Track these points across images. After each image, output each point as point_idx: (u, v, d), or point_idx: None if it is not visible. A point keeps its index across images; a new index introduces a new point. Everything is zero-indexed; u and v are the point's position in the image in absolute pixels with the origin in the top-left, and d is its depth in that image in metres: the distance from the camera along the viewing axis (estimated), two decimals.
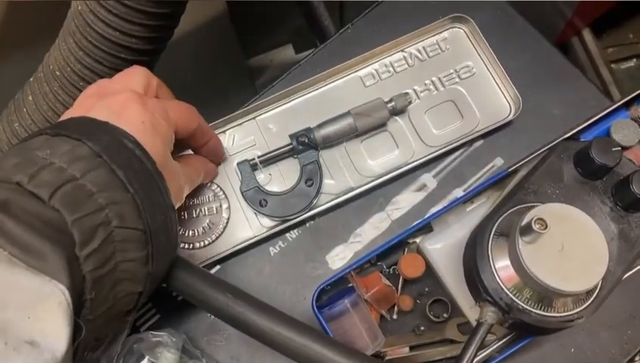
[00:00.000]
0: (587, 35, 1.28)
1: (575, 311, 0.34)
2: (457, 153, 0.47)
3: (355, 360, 0.33)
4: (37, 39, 0.50)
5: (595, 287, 0.34)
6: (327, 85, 0.49)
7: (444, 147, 0.46)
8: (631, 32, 1.51)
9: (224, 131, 0.48)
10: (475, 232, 0.37)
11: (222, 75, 0.73)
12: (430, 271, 0.41)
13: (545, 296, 0.33)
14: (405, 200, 0.46)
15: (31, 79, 0.50)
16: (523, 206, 0.36)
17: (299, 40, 0.60)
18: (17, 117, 0.50)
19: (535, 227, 0.32)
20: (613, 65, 1.24)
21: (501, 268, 0.35)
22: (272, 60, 0.79)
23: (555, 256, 0.32)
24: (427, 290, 0.42)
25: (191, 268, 0.36)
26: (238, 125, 0.48)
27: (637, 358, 0.44)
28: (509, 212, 0.36)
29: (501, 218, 0.36)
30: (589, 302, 0.34)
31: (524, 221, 0.32)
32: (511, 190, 0.39)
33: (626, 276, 0.37)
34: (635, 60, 1.23)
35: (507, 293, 0.34)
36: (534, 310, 0.34)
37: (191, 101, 0.44)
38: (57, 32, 0.47)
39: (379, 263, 0.42)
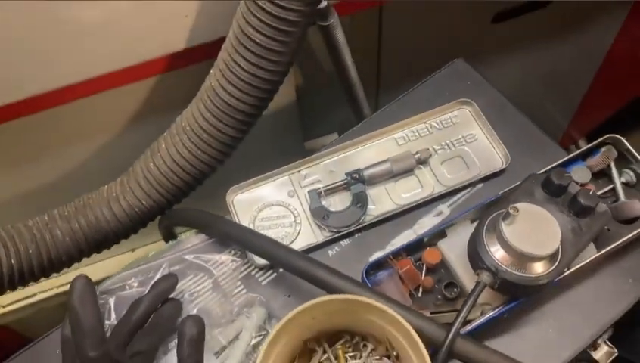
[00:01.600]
0: (584, 146, 1.49)
1: (542, 273, 0.51)
2: (464, 192, 0.66)
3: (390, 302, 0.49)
4: (169, 108, 0.72)
5: (555, 259, 0.51)
6: (372, 142, 0.69)
7: (455, 187, 0.65)
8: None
9: (299, 171, 0.68)
10: (475, 231, 0.55)
11: (284, 149, 0.95)
12: (444, 263, 0.59)
13: (520, 261, 0.50)
14: (427, 222, 0.64)
15: (165, 133, 0.71)
16: (504, 210, 0.54)
17: (344, 130, 0.81)
18: (152, 159, 0.70)
19: (511, 211, 0.50)
20: None
21: (492, 247, 0.52)
22: (322, 145, 1.01)
23: (525, 233, 0.50)
24: (442, 274, 0.58)
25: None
26: (309, 166, 0.68)
27: (599, 341, 0.59)
28: (496, 214, 0.54)
29: (491, 217, 0.54)
30: (552, 268, 0.51)
31: (505, 211, 0.51)
32: (497, 205, 0.57)
33: (585, 262, 0.54)
34: None
35: (496, 260, 0.51)
36: (513, 271, 0.50)
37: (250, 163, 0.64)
38: (181, 104, 0.69)
39: (409, 257, 0.59)
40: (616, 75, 1.33)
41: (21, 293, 1.03)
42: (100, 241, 0.69)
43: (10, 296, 1.03)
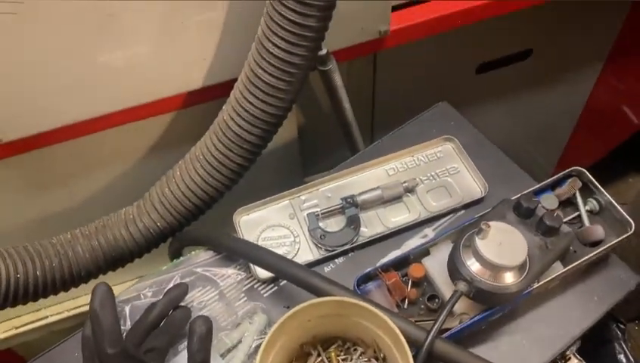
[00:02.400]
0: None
1: (512, 283, 0.57)
2: (447, 217, 0.74)
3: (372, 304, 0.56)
4: (185, 141, 0.80)
5: (523, 271, 0.58)
6: (364, 172, 0.78)
7: (439, 213, 0.73)
8: (608, 192, 1.80)
9: (299, 196, 0.76)
10: (454, 247, 0.62)
11: (285, 183, 1.03)
12: (427, 278, 0.65)
13: (492, 271, 0.57)
14: (413, 244, 0.71)
15: (180, 162, 0.79)
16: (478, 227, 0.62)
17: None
18: (168, 185, 0.77)
19: (484, 227, 0.57)
20: None
21: (468, 260, 0.59)
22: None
23: (496, 247, 0.57)
24: (426, 287, 0.65)
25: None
26: (308, 192, 0.76)
27: (569, 353, 0.65)
28: (471, 232, 0.61)
29: (467, 234, 0.61)
30: (521, 279, 0.58)
31: (479, 227, 0.58)
32: (473, 226, 0.64)
33: (552, 277, 0.61)
34: None
35: (471, 272, 0.58)
36: (487, 281, 0.57)
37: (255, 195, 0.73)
38: (195, 137, 0.78)
39: (396, 272, 0.66)
40: (596, 123, 1.42)
41: (33, 315, 1.08)
42: (117, 259, 0.76)
43: (22, 319, 1.09)
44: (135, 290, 0.69)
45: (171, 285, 0.68)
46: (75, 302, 1.09)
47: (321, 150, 1.07)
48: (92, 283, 0.72)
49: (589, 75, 1.25)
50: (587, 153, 1.50)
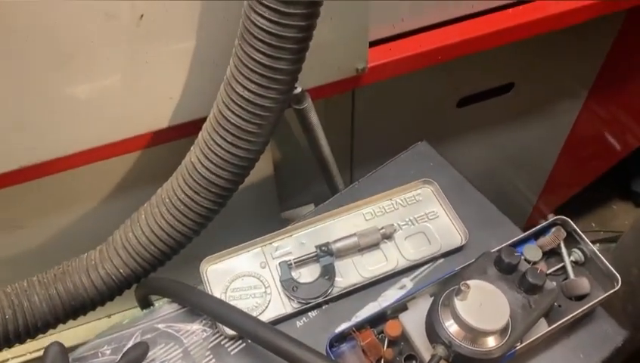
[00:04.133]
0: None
1: (493, 347, 0.54)
2: (426, 266, 0.70)
3: None
4: (151, 181, 0.76)
5: (506, 334, 0.55)
6: (341, 217, 0.74)
7: (417, 262, 0.69)
8: (593, 221, 1.80)
9: (271, 243, 0.72)
10: (432, 305, 0.58)
11: (261, 219, 0.99)
12: (404, 336, 0.61)
13: (472, 335, 0.53)
14: (391, 295, 0.68)
15: (145, 204, 0.75)
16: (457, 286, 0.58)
17: (320, 201, 0.85)
18: (132, 229, 0.73)
19: (463, 288, 0.54)
20: None
21: (446, 322, 0.55)
22: (298, 215, 1.05)
23: (476, 309, 0.54)
24: (403, 346, 0.61)
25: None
26: (281, 239, 0.72)
27: None
28: (450, 289, 0.58)
29: (445, 293, 0.58)
30: (502, 342, 0.54)
31: (457, 287, 0.54)
32: (453, 281, 0.61)
33: (536, 337, 0.58)
34: (598, 244, 1.47)
35: (450, 334, 0.54)
36: (466, 345, 0.54)
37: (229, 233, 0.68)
38: (162, 177, 0.74)
39: (372, 329, 0.62)
40: (579, 153, 1.41)
41: None
42: (77, 308, 0.71)
43: None
44: (93, 348, 0.65)
45: (131, 343, 0.64)
46: (39, 342, 1.04)
47: (299, 185, 1.03)
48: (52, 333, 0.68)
49: (572, 105, 1.23)
50: (571, 182, 1.48)
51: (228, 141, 0.65)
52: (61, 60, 0.62)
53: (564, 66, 1.08)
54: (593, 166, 1.45)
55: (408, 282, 0.69)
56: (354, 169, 1.05)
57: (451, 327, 0.55)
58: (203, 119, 0.67)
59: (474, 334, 0.54)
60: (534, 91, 1.10)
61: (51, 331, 0.70)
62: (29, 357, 1.03)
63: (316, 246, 0.70)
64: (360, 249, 0.70)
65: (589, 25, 0.91)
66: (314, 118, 0.79)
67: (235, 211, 0.90)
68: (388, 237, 0.71)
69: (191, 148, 0.69)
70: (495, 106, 1.06)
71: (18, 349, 1.02)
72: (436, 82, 0.96)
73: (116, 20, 0.60)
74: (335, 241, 0.70)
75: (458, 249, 0.70)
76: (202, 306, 0.61)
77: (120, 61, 0.64)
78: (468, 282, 0.54)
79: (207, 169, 0.67)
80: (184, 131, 0.73)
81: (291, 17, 0.57)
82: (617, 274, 0.63)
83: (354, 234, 0.70)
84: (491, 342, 0.54)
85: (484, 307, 0.54)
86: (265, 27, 0.57)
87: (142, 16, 0.60)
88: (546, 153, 1.34)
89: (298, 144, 0.92)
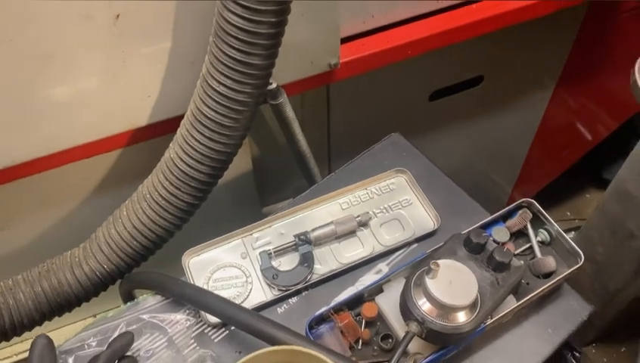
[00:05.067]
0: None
1: (464, 322, 0.57)
2: (401, 251, 0.73)
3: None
4: (132, 179, 0.78)
5: (475, 309, 0.58)
6: (318, 207, 0.76)
7: (392, 247, 0.72)
8: (568, 210, 1.84)
9: (251, 234, 0.74)
10: (405, 285, 0.61)
11: (242, 214, 1.01)
12: (381, 317, 0.64)
13: (443, 311, 0.56)
14: (368, 279, 0.70)
15: (127, 201, 0.76)
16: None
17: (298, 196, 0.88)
18: (114, 225, 0.74)
19: (433, 267, 0.56)
20: None
21: (419, 300, 0.58)
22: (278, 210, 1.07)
23: (446, 286, 0.56)
24: (379, 326, 0.64)
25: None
26: (260, 230, 0.74)
27: None
28: (421, 270, 0.61)
29: (418, 273, 0.60)
30: (472, 317, 0.57)
31: (428, 266, 0.57)
32: (425, 262, 0.63)
33: (506, 312, 0.61)
34: (572, 232, 1.50)
35: (422, 312, 0.57)
36: (438, 321, 0.56)
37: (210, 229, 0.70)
38: (143, 175, 0.75)
39: (350, 311, 0.65)
40: (551, 143, 1.45)
41: None
42: (63, 305, 0.72)
43: None
44: (79, 340, 0.66)
45: (116, 334, 0.65)
46: (25, 345, 1.04)
47: (278, 180, 1.05)
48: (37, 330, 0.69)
49: (542, 96, 1.27)
50: (544, 171, 1.53)
51: (205, 136, 0.67)
52: (39, 61, 0.63)
53: (532, 58, 1.12)
54: (565, 155, 1.49)
55: (384, 267, 0.72)
56: (332, 161, 1.07)
57: (423, 305, 0.57)
58: (182, 116, 0.69)
59: (445, 310, 0.56)
60: (503, 83, 1.14)
61: (40, 331, 0.71)
62: (15, 359, 1.04)
63: (295, 236, 0.72)
64: (337, 236, 0.73)
65: (553, 17, 0.95)
66: (290, 113, 0.82)
67: (216, 207, 0.92)
68: (364, 224, 0.74)
69: (170, 145, 0.71)
70: (466, 98, 1.09)
71: (4, 351, 1.03)
72: (408, 76, 0.99)
73: (93, 21, 0.61)
74: (313, 230, 0.72)
75: (430, 234, 0.73)
76: (184, 295, 0.63)
77: (98, 61, 0.66)
78: (438, 261, 0.57)
79: (186, 164, 0.69)
80: (164, 129, 0.75)
81: (263, 13, 0.59)
82: (580, 251, 0.66)
83: (331, 223, 0.73)
84: (461, 317, 0.57)
85: (454, 284, 0.57)
86: (237, 24, 0.59)
87: (118, 16, 0.62)
88: (519, 143, 1.38)
89: (275, 140, 0.95)
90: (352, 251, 0.72)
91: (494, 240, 0.68)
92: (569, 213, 1.82)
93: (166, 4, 0.64)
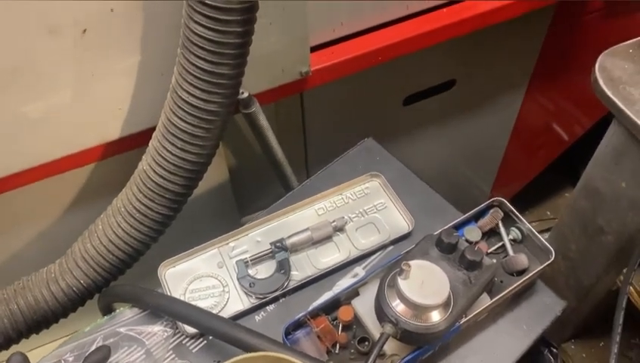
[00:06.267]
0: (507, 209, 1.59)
1: (437, 322, 0.57)
2: (376, 254, 0.73)
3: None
4: (107, 193, 0.77)
5: (448, 308, 0.58)
6: (294, 213, 0.77)
7: (368, 250, 0.73)
8: (548, 209, 1.86)
9: (227, 243, 0.74)
10: (379, 287, 0.62)
11: (221, 225, 1.01)
12: (357, 320, 0.65)
13: (416, 311, 0.57)
14: (344, 284, 0.71)
15: (102, 215, 0.76)
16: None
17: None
18: (90, 240, 0.74)
19: (404, 268, 0.57)
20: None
21: (393, 301, 0.59)
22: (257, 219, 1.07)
23: (418, 286, 0.57)
24: (356, 330, 0.64)
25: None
26: (237, 239, 0.74)
27: None
28: (394, 272, 0.61)
29: (390, 275, 0.61)
30: (446, 316, 0.58)
31: (400, 268, 0.58)
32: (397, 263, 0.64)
33: (480, 310, 0.62)
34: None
35: (396, 313, 0.57)
36: (412, 321, 0.57)
37: (190, 241, 0.71)
38: (118, 188, 0.75)
39: (327, 316, 0.65)
40: (526, 143, 1.47)
41: None
42: (40, 322, 0.72)
43: None
44: (56, 356, 0.66)
45: (93, 348, 0.65)
46: None
47: (256, 189, 1.06)
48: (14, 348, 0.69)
49: (515, 97, 1.29)
50: (522, 171, 1.55)
51: (177, 147, 0.67)
52: (6, 77, 0.63)
53: (503, 59, 1.14)
54: (542, 155, 1.51)
55: (360, 270, 0.72)
56: (310, 167, 1.08)
57: (397, 306, 0.58)
58: (154, 128, 0.69)
59: (418, 310, 0.57)
60: (476, 86, 1.15)
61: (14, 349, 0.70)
62: None
63: (271, 243, 0.72)
64: (313, 242, 0.73)
65: (522, 18, 0.97)
66: (263, 121, 0.82)
67: (195, 218, 0.92)
68: (340, 229, 0.75)
69: (143, 157, 0.71)
70: (439, 102, 1.11)
71: None
72: (381, 81, 1.00)
73: (60, 35, 0.62)
74: (289, 237, 0.73)
75: (405, 236, 0.74)
76: (159, 307, 0.63)
77: (67, 75, 0.66)
78: (410, 262, 0.58)
79: (159, 175, 0.69)
80: (136, 142, 0.75)
81: (229, 24, 0.60)
82: (551, 248, 0.67)
83: (307, 229, 0.73)
84: (435, 316, 0.58)
85: (426, 284, 0.58)
86: (204, 35, 0.60)
87: (85, 30, 0.63)
88: (495, 144, 1.40)
89: (251, 149, 0.95)
90: (328, 256, 0.73)
91: (466, 240, 0.69)
92: (549, 212, 1.84)
93: (133, 17, 0.65)
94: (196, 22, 0.60)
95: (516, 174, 1.53)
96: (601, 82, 0.69)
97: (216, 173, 0.94)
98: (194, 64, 0.62)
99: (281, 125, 0.95)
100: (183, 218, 0.75)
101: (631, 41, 0.76)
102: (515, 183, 1.55)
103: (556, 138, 1.46)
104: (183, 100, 0.65)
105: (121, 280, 0.75)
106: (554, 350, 0.75)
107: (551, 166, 1.52)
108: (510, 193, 1.57)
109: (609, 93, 0.68)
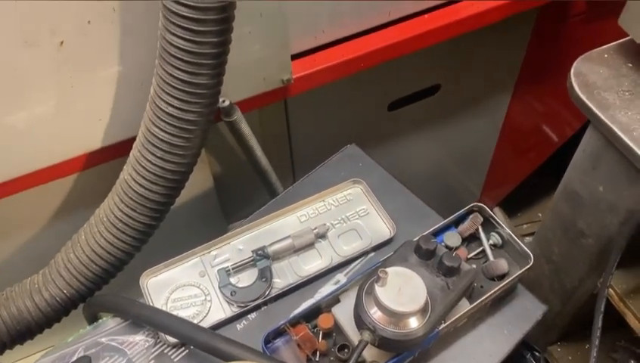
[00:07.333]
0: (498, 213, 1.60)
1: (415, 328, 0.58)
2: (358, 261, 0.74)
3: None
4: (89, 203, 0.78)
5: (426, 314, 0.58)
6: (276, 221, 0.77)
7: (350, 257, 0.73)
8: (539, 211, 1.87)
9: (209, 252, 0.74)
10: (357, 295, 0.62)
11: (207, 233, 1.01)
12: (337, 327, 0.65)
13: (394, 318, 0.57)
14: (326, 291, 0.71)
15: (85, 225, 0.76)
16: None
17: None
18: (73, 250, 0.74)
19: (381, 275, 0.57)
20: (526, 238, 1.53)
21: (370, 309, 0.59)
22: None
23: (395, 293, 0.57)
24: (336, 337, 0.64)
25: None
26: (219, 247, 0.75)
27: None
28: (372, 279, 0.61)
29: (369, 282, 0.61)
30: (423, 323, 0.58)
31: (377, 275, 0.58)
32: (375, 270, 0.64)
33: (459, 315, 0.62)
34: None
35: (374, 320, 0.58)
36: (389, 328, 0.57)
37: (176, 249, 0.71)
38: (100, 198, 0.75)
39: (307, 323, 0.65)
40: (515, 146, 1.47)
41: None
42: (24, 332, 0.72)
43: None
44: None
45: (74, 359, 0.65)
46: None
47: (241, 196, 1.06)
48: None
49: (501, 100, 1.30)
50: (511, 174, 1.55)
51: (157, 157, 0.68)
52: None
53: (487, 64, 1.15)
54: (531, 157, 1.51)
55: (342, 277, 0.72)
56: (296, 174, 1.08)
57: (375, 313, 0.58)
58: (135, 138, 0.69)
59: (396, 317, 0.57)
60: (461, 91, 1.16)
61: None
62: None
63: (253, 251, 0.73)
64: (295, 250, 0.73)
65: (505, 22, 0.97)
66: (245, 129, 0.82)
67: (181, 227, 0.92)
68: (322, 236, 0.75)
69: (124, 167, 0.71)
70: (425, 107, 1.11)
71: None
72: (365, 87, 1.01)
73: (37, 48, 0.62)
74: (271, 244, 0.73)
75: (387, 242, 0.75)
76: (140, 316, 0.63)
77: (46, 87, 0.67)
78: (387, 269, 0.58)
79: (141, 185, 0.69)
80: (118, 152, 0.76)
81: (204, 34, 0.60)
82: (530, 253, 0.67)
83: (288, 237, 0.73)
84: (412, 323, 0.58)
85: (403, 291, 0.58)
86: (180, 46, 0.60)
87: (62, 42, 0.63)
88: (483, 148, 1.41)
89: (235, 156, 0.95)
90: (310, 263, 0.73)
91: (446, 246, 0.69)
92: (540, 214, 1.84)
93: (110, 28, 0.65)
94: (172, 33, 0.60)
95: (505, 177, 1.53)
96: (576, 87, 0.70)
97: (200, 181, 0.95)
98: (171, 75, 0.63)
99: (266, 131, 0.96)
100: (169, 226, 0.75)
101: (606, 45, 0.77)
102: (505, 186, 1.55)
103: (545, 140, 1.46)
104: (162, 110, 0.65)
105: (106, 290, 0.75)
106: (537, 354, 0.75)
107: (542, 168, 1.53)
108: (500, 196, 1.58)
109: (584, 98, 0.69)
